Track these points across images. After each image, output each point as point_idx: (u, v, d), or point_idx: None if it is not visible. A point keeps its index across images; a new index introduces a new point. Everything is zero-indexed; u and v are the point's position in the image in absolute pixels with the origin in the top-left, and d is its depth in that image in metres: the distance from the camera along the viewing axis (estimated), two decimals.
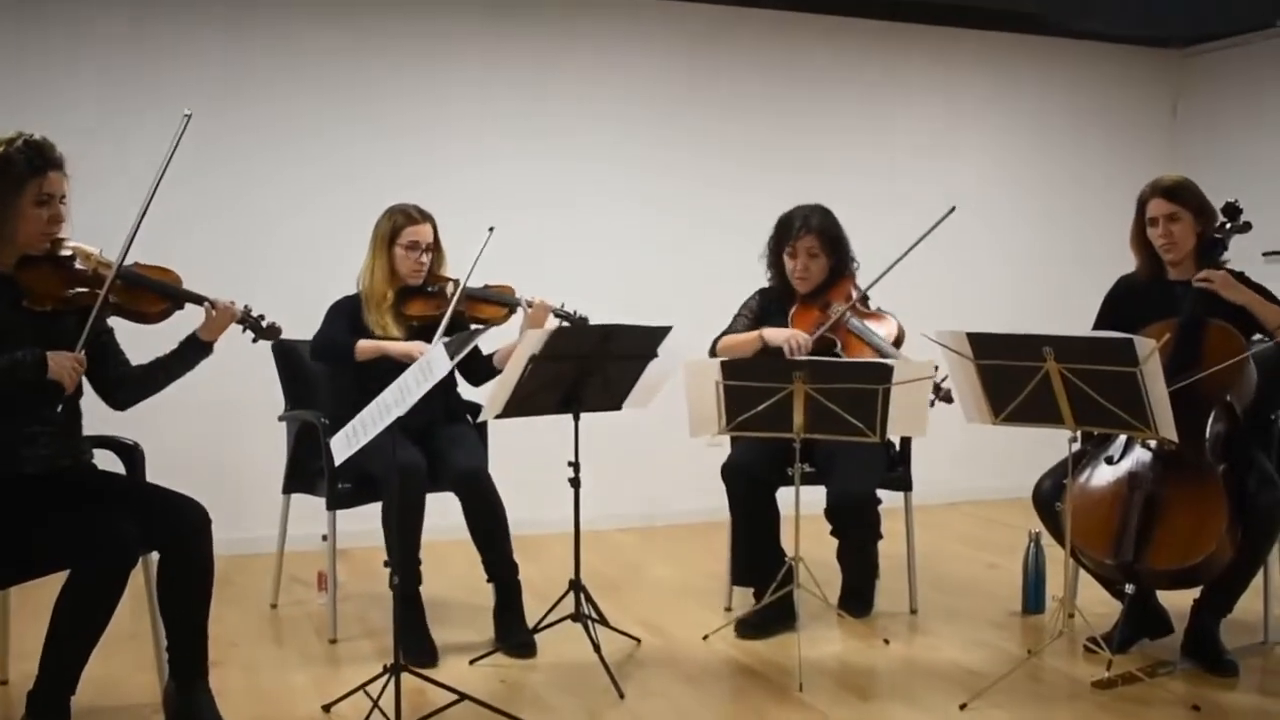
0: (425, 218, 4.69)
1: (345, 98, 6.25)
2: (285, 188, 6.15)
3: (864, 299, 4.79)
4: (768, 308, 4.91)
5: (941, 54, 7.45)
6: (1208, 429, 4.03)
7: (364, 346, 4.54)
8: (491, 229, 4.38)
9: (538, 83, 6.60)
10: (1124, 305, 4.42)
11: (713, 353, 4.81)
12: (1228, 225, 4.21)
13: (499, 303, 4.71)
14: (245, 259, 5.90)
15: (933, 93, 7.45)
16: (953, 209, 4.58)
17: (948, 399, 4.31)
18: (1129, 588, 4.02)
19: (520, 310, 4.66)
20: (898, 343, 4.64)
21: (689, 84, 6.89)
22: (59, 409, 3.35)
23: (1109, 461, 4.19)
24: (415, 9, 6.36)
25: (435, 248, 4.72)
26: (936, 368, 4.16)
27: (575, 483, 4.31)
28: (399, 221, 4.65)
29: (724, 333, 4.89)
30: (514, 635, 4.44)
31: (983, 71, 7.59)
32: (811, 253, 4.78)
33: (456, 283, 4.62)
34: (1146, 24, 7.40)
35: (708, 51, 6.92)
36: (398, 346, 4.49)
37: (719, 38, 6.93)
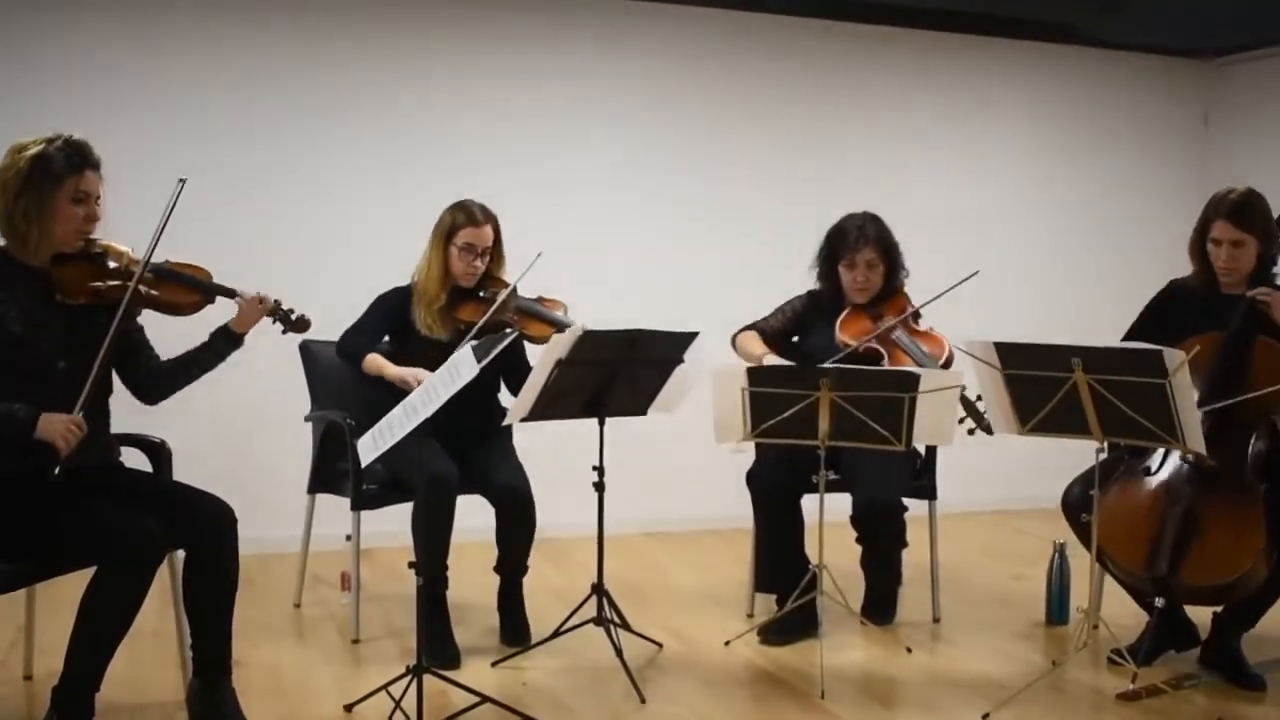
0: (488, 219, 4.60)
1: (383, 96, 6.30)
2: (319, 186, 6.19)
3: (916, 315, 4.77)
4: (814, 312, 4.90)
5: (972, 63, 7.43)
6: (1250, 447, 3.99)
7: (369, 363, 4.53)
8: (539, 254, 4.38)
9: (565, 82, 6.62)
10: (1171, 309, 4.35)
11: (733, 342, 4.84)
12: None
13: (550, 321, 4.59)
14: (277, 256, 5.92)
15: (963, 101, 7.43)
16: (975, 273, 4.58)
17: (989, 430, 4.28)
18: (1159, 601, 3.99)
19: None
20: (946, 365, 4.59)
21: (716, 89, 6.89)
22: (56, 470, 3.31)
23: (1148, 472, 4.15)
24: (441, 4, 6.39)
25: (495, 250, 4.66)
26: (965, 388, 4.14)
27: (600, 487, 4.31)
28: (459, 220, 4.57)
29: (752, 326, 4.89)
30: (510, 621, 4.56)
31: (1013, 81, 7.56)
32: (871, 264, 4.76)
33: (508, 290, 4.58)
34: (1178, 34, 7.36)
35: (735, 57, 6.92)
36: (394, 371, 4.42)
37: (746, 43, 6.93)
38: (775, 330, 4.90)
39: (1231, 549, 3.86)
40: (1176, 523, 3.96)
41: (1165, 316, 4.32)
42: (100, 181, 3.48)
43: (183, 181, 3.46)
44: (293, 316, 3.84)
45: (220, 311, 3.74)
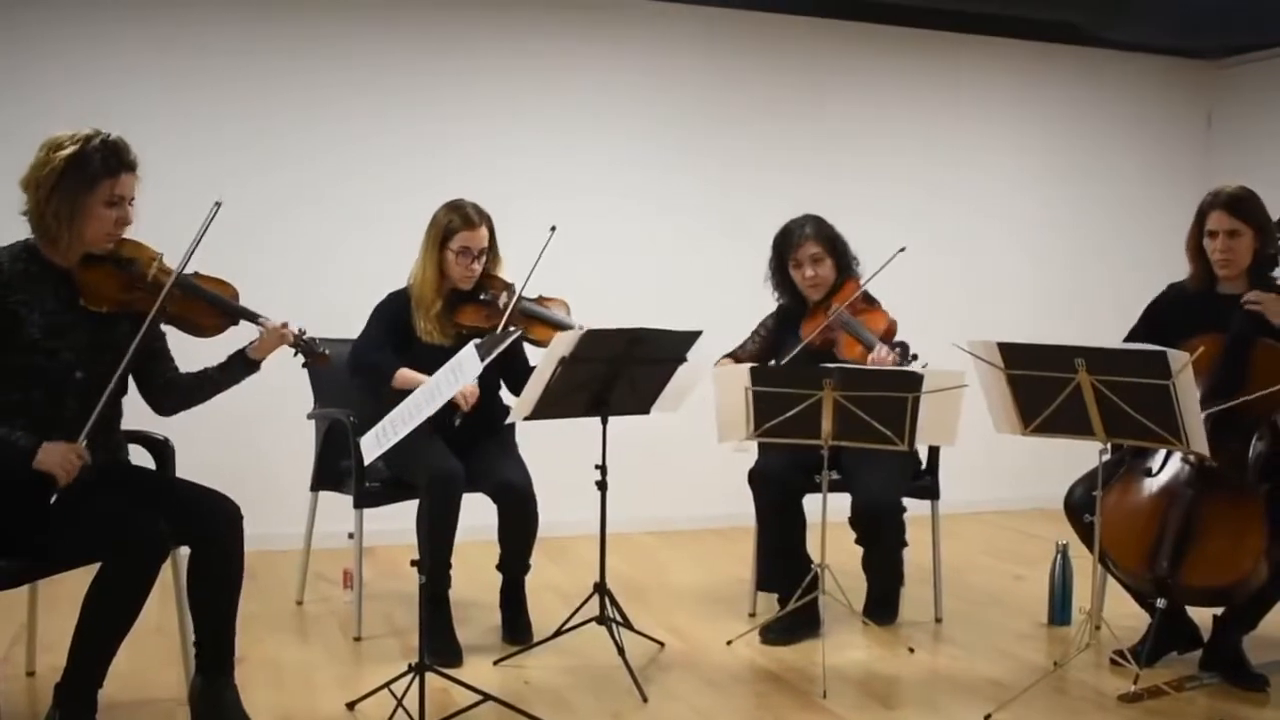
0: (482, 220, 4.55)
1: (377, 98, 6.30)
2: (314, 186, 6.20)
3: (863, 296, 4.78)
4: (783, 325, 4.92)
5: (975, 62, 7.43)
6: (1251, 449, 3.99)
7: (403, 377, 4.41)
8: (554, 228, 4.37)
9: (563, 82, 6.62)
10: (1170, 312, 4.35)
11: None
12: None
13: (553, 323, 4.57)
14: (280, 255, 5.94)
15: (966, 101, 7.43)
16: (902, 249, 4.55)
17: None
18: (1160, 602, 3.99)
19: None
20: (889, 334, 4.63)
21: (717, 88, 6.89)
22: (53, 499, 3.25)
23: (1149, 473, 4.15)
24: (442, 5, 6.39)
25: (490, 249, 4.62)
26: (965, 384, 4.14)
27: (602, 486, 4.31)
28: (454, 224, 4.51)
29: (730, 354, 4.90)
30: (512, 620, 4.58)
31: (1017, 80, 7.56)
32: (815, 258, 4.78)
33: (511, 290, 4.57)
34: (1182, 35, 7.35)
35: (738, 58, 6.92)
36: None
37: (747, 42, 6.93)
38: (752, 354, 4.90)
39: (1232, 551, 3.86)
40: (1177, 524, 3.96)
41: (1165, 319, 4.33)
42: (137, 182, 3.41)
43: (218, 204, 3.43)
44: (316, 349, 3.77)
45: (242, 330, 3.71)
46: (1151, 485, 4.13)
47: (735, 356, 4.90)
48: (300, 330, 3.75)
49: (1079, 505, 4.26)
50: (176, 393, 3.70)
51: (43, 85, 5.71)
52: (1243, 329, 4.04)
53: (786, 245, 4.84)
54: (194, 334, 3.63)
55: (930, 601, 4.96)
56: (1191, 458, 4.04)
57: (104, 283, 3.43)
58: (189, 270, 3.54)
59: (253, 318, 3.67)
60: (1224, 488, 3.99)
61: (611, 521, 4.39)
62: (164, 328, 3.65)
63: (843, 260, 4.85)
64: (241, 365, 3.69)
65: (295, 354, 3.77)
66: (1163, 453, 4.14)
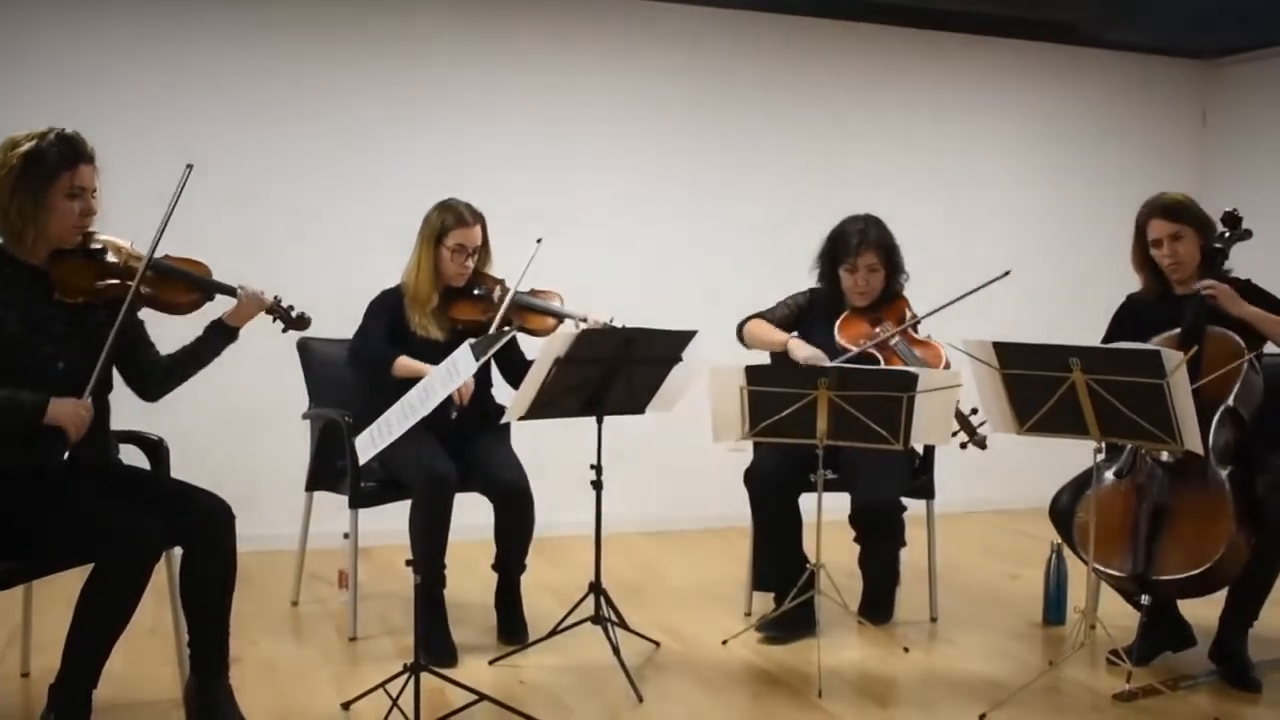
0: (476, 219, 4.59)
1: (375, 97, 6.29)
2: (314, 183, 6.19)
3: (915, 324, 4.76)
4: (814, 310, 4.90)
5: (971, 63, 7.43)
6: (1211, 435, 4.00)
7: (403, 365, 4.45)
8: (539, 240, 4.38)
9: (565, 86, 6.62)
10: (1131, 322, 4.41)
11: (740, 331, 4.84)
12: (1228, 234, 4.20)
13: (549, 313, 4.61)
14: (273, 254, 5.92)
15: (961, 101, 7.43)
16: (1007, 273, 4.62)
17: (982, 444, 4.38)
18: (1144, 599, 4.00)
19: (570, 324, 4.52)
20: None
21: (715, 87, 6.89)
22: (65, 456, 3.31)
23: (1117, 475, 4.18)
24: (440, 9, 6.39)
25: (483, 247, 4.66)
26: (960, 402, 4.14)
27: (597, 485, 4.31)
28: (448, 221, 4.55)
29: (759, 315, 4.89)
30: (507, 619, 4.57)
31: (1012, 81, 7.56)
32: (872, 268, 4.76)
33: (504, 285, 4.58)
34: (1177, 35, 7.36)
35: (734, 58, 6.91)
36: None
37: (746, 44, 6.93)
38: (780, 321, 4.89)
39: (1200, 538, 3.89)
40: (1147, 520, 3.99)
41: (1130, 326, 4.37)
42: (96, 174, 3.43)
43: (189, 168, 3.43)
44: (292, 314, 3.81)
45: (220, 309, 3.71)
46: (1121, 486, 4.16)
47: (765, 319, 4.88)
48: (277, 298, 3.77)
49: (1065, 511, 4.29)
50: (159, 376, 3.70)
51: (20, 87, 5.69)
52: (1195, 320, 4.07)
53: (843, 249, 4.79)
54: (170, 312, 3.62)
55: (925, 601, 4.97)
56: (1163, 455, 4.06)
57: (76, 274, 3.44)
58: (159, 254, 3.53)
59: (229, 290, 3.67)
60: (1190, 477, 4.01)
61: (607, 521, 4.40)
62: (140, 314, 3.65)
63: (895, 272, 4.84)
64: (220, 334, 3.69)
65: (274, 320, 3.78)
66: (1128, 453, 4.17)
